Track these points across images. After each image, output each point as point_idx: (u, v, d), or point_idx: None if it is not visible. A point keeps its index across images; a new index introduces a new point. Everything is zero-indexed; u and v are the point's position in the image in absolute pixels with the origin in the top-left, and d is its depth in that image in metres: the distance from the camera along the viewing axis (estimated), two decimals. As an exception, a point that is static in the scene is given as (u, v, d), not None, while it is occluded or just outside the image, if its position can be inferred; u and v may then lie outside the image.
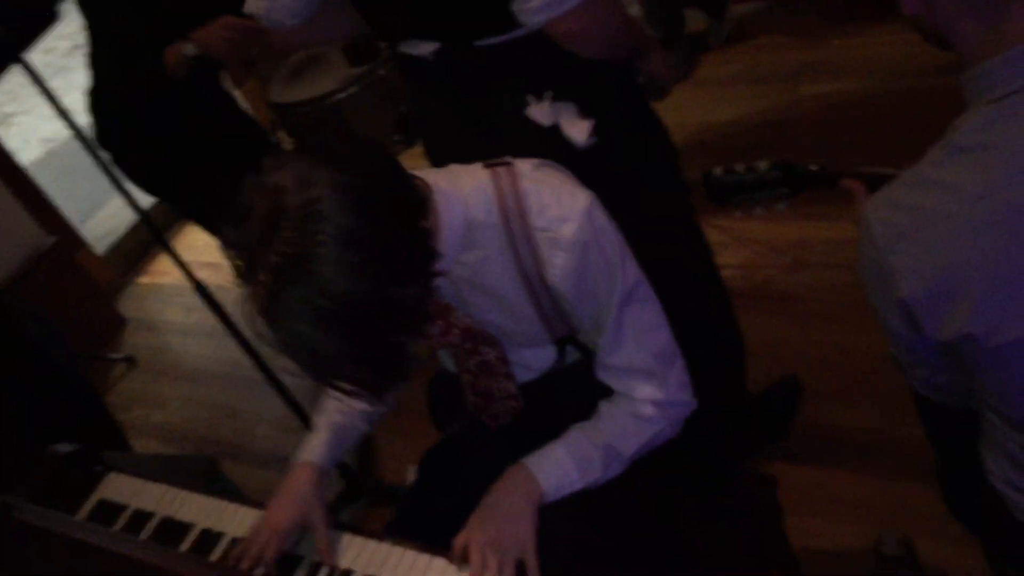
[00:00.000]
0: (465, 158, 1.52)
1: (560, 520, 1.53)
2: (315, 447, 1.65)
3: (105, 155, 2.72)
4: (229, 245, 1.21)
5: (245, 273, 1.18)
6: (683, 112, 3.57)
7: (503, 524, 1.41)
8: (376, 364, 1.25)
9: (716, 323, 2.24)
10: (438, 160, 1.94)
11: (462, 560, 1.43)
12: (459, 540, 1.43)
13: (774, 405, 2.50)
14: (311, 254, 1.13)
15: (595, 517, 1.59)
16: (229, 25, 2.33)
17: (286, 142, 3.42)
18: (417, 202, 1.30)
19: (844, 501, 2.26)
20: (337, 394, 1.55)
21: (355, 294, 1.15)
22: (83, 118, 2.77)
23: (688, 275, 2.13)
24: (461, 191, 1.41)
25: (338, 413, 1.70)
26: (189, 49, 2.41)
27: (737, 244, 3.04)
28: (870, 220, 1.08)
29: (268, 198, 1.17)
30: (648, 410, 1.50)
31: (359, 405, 1.69)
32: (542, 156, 1.50)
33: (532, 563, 1.40)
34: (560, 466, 1.47)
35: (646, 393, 1.50)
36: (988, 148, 1.02)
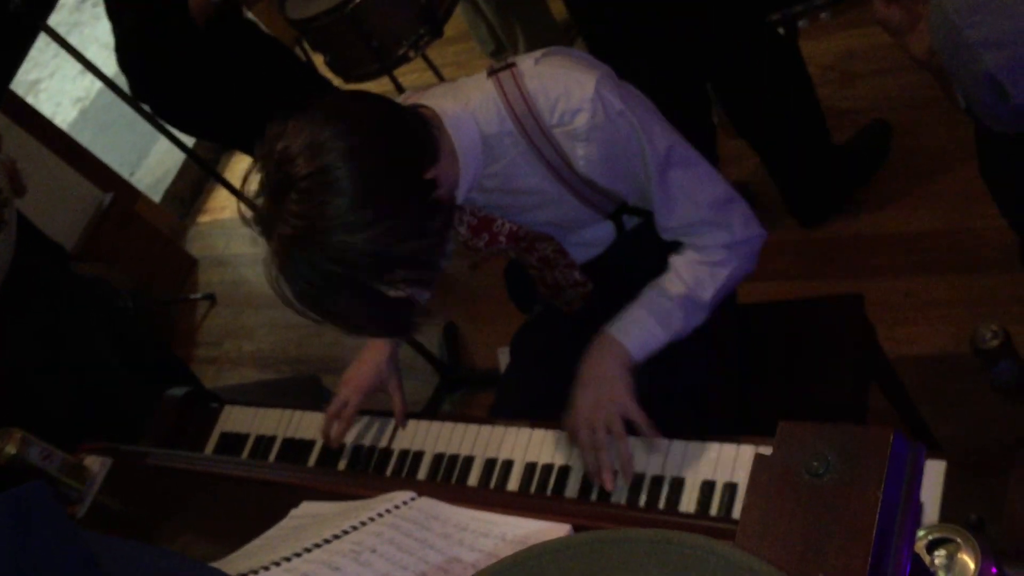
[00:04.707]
0: None
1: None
2: None
3: (144, 107, 2.75)
4: (245, 216, 1.26)
5: (263, 234, 1.24)
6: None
7: (599, 392, 1.43)
8: (389, 312, 1.30)
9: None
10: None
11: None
12: (567, 423, 1.46)
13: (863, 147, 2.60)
14: (319, 225, 1.17)
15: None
16: None
17: (312, 55, 3.38)
18: (422, 152, 1.30)
19: (933, 304, 2.27)
20: None
21: (363, 257, 1.20)
22: (109, 69, 2.78)
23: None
24: (469, 109, 1.40)
25: None
26: None
27: (783, 68, 2.97)
28: None
29: (276, 168, 1.20)
30: (718, 255, 1.50)
31: None
32: None
33: (637, 418, 1.42)
34: (641, 326, 1.48)
35: (711, 240, 1.50)
36: None
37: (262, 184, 1.23)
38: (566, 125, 1.39)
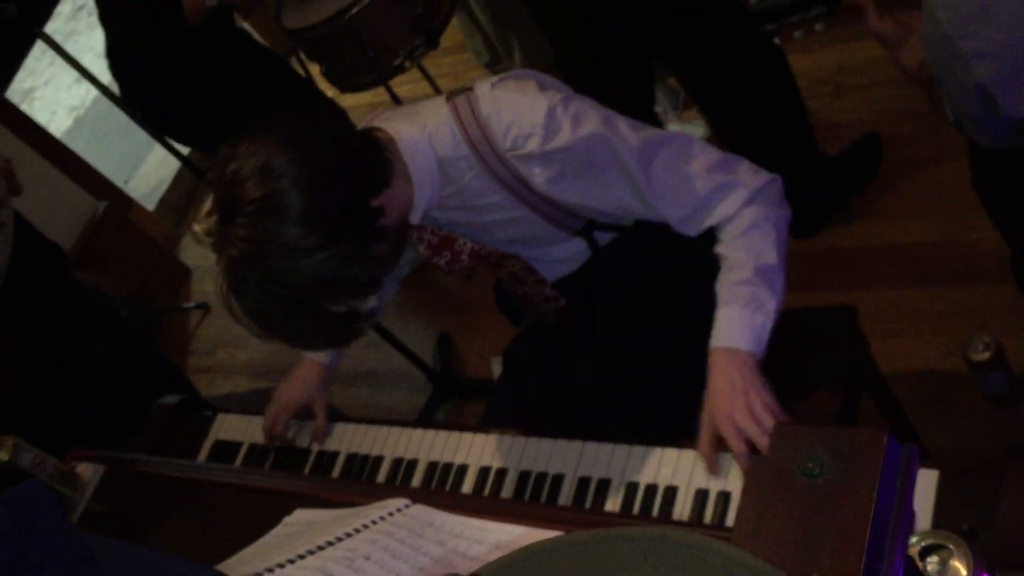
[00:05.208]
0: None
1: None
2: None
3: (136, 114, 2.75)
4: (197, 235, 1.31)
5: (214, 251, 1.27)
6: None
7: (742, 399, 1.33)
8: (331, 327, 1.33)
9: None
10: None
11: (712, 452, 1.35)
12: (703, 437, 1.34)
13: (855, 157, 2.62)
14: (266, 250, 1.21)
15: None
16: None
17: (309, 65, 3.38)
18: (373, 179, 1.32)
19: (925, 316, 2.27)
20: None
21: (307, 280, 1.23)
22: (105, 78, 2.78)
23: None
24: (425, 133, 1.42)
25: None
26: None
27: (776, 81, 2.98)
28: (934, 8, 1.05)
29: (226, 190, 1.23)
30: (749, 214, 1.41)
31: None
32: None
33: (768, 422, 1.29)
34: (741, 321, 1.39)
35: (733, 204, 1.42)
36: None
37: (213, 204, 1.27)
38: (519, 149, 1.40)
